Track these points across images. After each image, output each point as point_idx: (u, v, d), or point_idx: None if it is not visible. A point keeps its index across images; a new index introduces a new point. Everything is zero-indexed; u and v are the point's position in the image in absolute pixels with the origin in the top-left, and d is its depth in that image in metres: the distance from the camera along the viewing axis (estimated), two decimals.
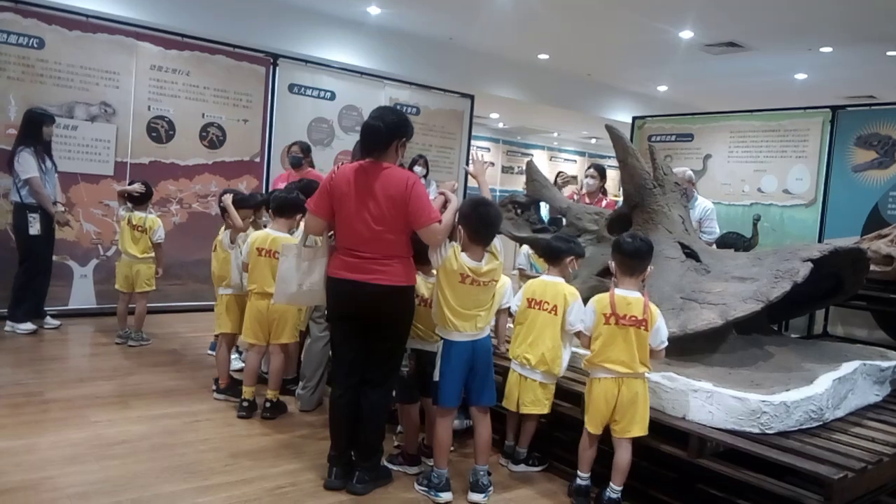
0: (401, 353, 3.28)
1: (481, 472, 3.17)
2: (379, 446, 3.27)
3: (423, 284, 3.33)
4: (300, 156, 6.19)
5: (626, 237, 3.15)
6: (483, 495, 3.13)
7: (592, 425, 3.10)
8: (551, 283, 3.45)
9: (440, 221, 3.03)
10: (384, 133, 3.10)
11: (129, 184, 5.48)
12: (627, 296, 3.04)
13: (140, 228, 5.33)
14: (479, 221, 3.05)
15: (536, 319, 3.42)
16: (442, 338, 3.14)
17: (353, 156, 4.69)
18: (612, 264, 3.16)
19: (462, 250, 3.06)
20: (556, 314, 3.36)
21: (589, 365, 3.13)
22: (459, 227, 3.06)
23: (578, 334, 3.24)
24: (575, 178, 16.25)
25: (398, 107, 8.23)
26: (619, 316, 3.00)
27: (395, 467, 3.40)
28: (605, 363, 3.03)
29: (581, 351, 3.36)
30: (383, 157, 3.13)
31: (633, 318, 3.00)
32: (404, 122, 3.21)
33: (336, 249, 3.21)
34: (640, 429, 3.03)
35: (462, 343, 3.09)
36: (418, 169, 7.83)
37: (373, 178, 3.07)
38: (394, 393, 3.49)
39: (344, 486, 3.18)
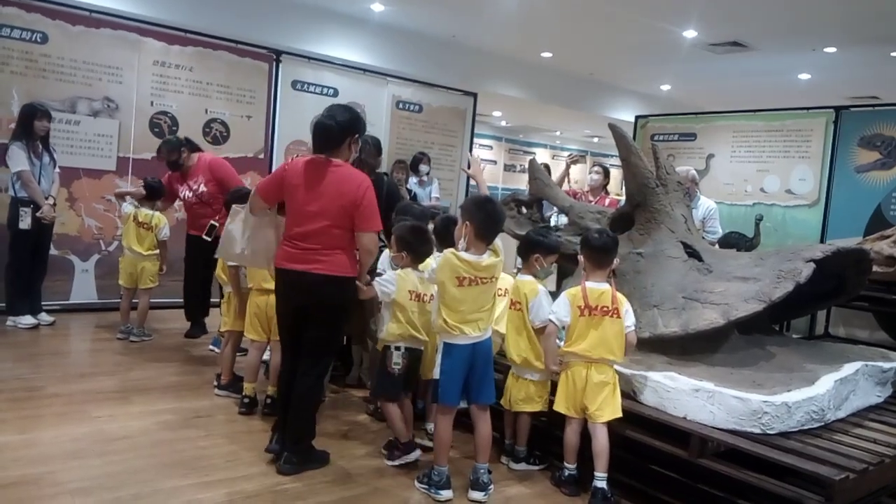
0: (334, 345, 3.43)
1: (482, 470, 3.17)
2: (307, 432, 3.35)
3: (414, 279, 3.39)
4: (174, 158, 5.31)
5: (594, 233, 3.37)
6: (483, 493, 3.14)
7: (562, 406, 3.26)
8: (518, 282, 3.53)
9: (378, 231, 3.29)
10: (336, 130, 3.24)
11: (142, 183, 5.43)
12: (598, 287, 3.22)
13: (146, 226, 5.32)
14: (485, 218, 3.07)
15: (513, 319, 3.49)
16: (443, 341, 3.15)
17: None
18: (581, 259, 3.33)
19: (465, 248, 3.08)
20: (521, 311, 3.43)
21: (561, 354, 3.29)
22: (465, 223, 3.07)
23: (544, 329, 3.34)
24: (584, 156, 16.21)
25: (400, 104, 8.24)
26: (591, 307, 3.17)
27: (394, 462, 3.42)
28: (577, 351, 3.19)
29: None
30: (336, 154, 3.27)
31: (605, 308, 3.18)
32: (356, 119, 3.34)
33: (283, 239, 3.34)
34: (611, 412, 3.16)
35: (464, 345, 3.11)
36: (423, 167, 7.84)
37: (324, 174, 3.21)
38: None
39: (283, 451, 3.33)
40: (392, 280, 3.38)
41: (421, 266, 3.50)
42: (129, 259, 5.36)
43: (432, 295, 3.42)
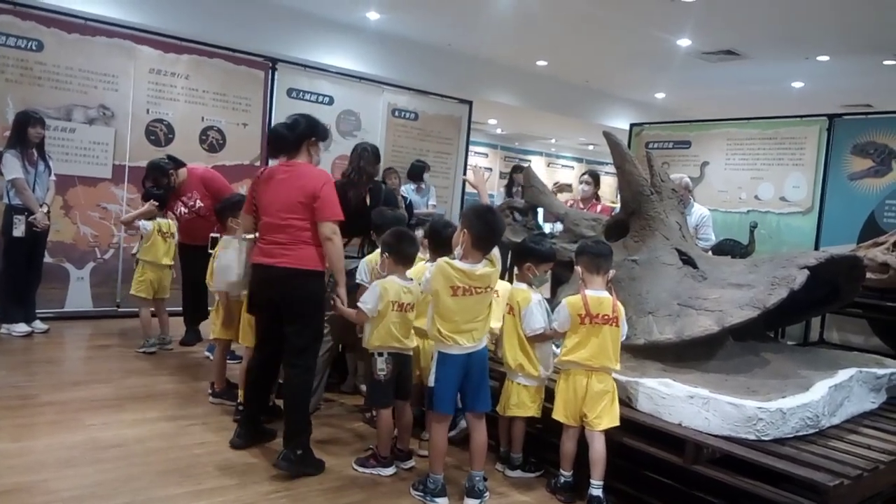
0: (311, 334, 3.50)
1: (477, 478, 3.17)
2: (302, 428, 3.41)
3: (397, 289, 3.39)
4: (165, 182, 5.22)
5: (588, 242, 3.46)
6: (479, 500, 3.13)
7: (561, 414, 3.25)
8: (513, 290, 3.54)
9: (338, 222, 3.41)
10: (287, 135, 3.47)
11: (148, 190, 5.27)
12: (598, 295, 3.22)
13: (169, 234, 5.31)
14: (484, 229, 3.07)
15: (508, 324, 3.50)
16: (438, 350, 3.15)
17: (351, 161, 4.69)
18: (579, 270, 3.33)
19: (462, 257, 3.08)
20: (515, 316, 3.44)
21: (560, 363, 3.29)
22: (463, 231, 3.07)
23: (538, 337, 3.37)
24: (570, 185, 16.32)
25: (396, 112, 8.26)
26: (592, 315, 3.17)
27: (366, 470, 3.41)
28: (577, 360, 3.18)
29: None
30: (295, 157, 3.48)
31: (605, 317, 3.18)
32: (312, 125, 3.55)
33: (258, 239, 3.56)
34: (609, 420, 3.15)
35: (458, 355, 3.11)
36: (426, 176, 7.86)
37: (285, 173, 3.45)
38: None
39: (245, 445, 3.54)
40: (374, 297, 3.37)
41: (410, 273, 3.52)
42: (156, 272, 5.30)
43: (413, 304, 3.44)
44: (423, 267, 3.56)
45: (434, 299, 3.10)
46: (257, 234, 3.58)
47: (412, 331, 3.50)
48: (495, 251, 3.17)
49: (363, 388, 4.43)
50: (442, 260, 3.09)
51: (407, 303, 3.41)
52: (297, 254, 3.37)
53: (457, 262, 3.06)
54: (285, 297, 3.41)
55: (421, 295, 3.42)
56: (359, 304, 3.39)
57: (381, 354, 3.37)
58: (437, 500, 3.09)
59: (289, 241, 3.38)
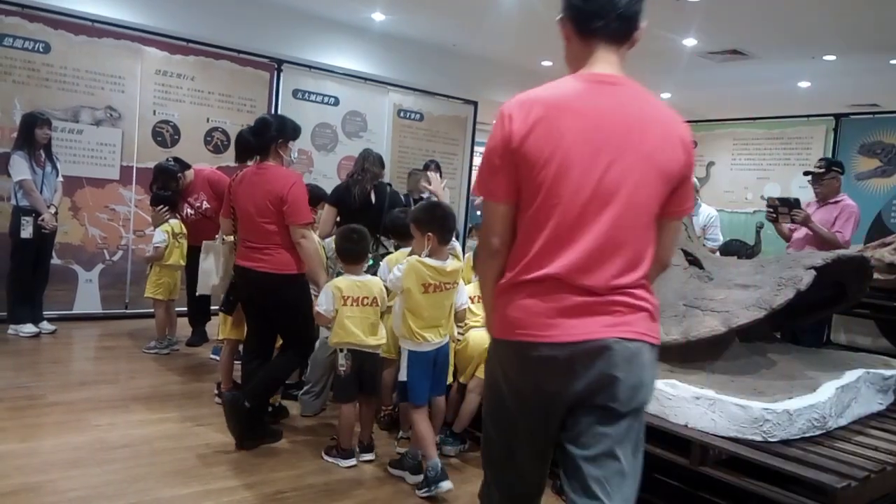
0: (298, 331, 3.69)
1: (441, 435, 3.44)
2: (265, 394, 3.69)
3: (349, 285, 3.44)
4: (174, 185, 5.24)
5: None
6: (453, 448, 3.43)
7: None
8: None
9: (307, 225, 3.55)
10: (251, 140, 3.65)
11: (156, 193, 5.26)
12: None
13: (182, 235, 5.33)
14: (441, 224, 3.18)
15: None
16: (407, 349, 3.25)
17: (356, 163, 4.70)
18: None
19: (429, 255, 3.18)
20: None
21: None
22: (426, 235, 3.16)
23: None
24: None
25: (402, 112, 8.26)
26: None
27: (330, 459, 3.50)
28: None
29: None
30: (265, 159, 3.63)
31: None
32: (280, 127, 3.66)
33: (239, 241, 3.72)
34: None
35: (428, 351, 3.24)
36: (431, 174, 7.83)
37: (257, 177, 3.58)
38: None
39: (251, 446, 3.57)
40: (328, 299, 3.42)
41: (387, 270, 3.57)
42: (172, 274, 5.35)
43: (374, 298, 3.49)
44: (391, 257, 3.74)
45: (405, 297, 3.19)
46: (234, 238, 3.73)
47: (378, 328, 3.54)
48: (457, 246, 3.28)
49: None
50: (414, 258, 3.19)
51: (363, 297, 3.44)
52: (273, 258, 3.51)
53: (429, 261, 3.16)
54: (266, 300, 3.60)
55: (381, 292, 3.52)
56: (315, 307, 3.46)
57: (341, 350, 3.45)
58: (441, 484, 3.14)
59: (264, 245, 3.52)
